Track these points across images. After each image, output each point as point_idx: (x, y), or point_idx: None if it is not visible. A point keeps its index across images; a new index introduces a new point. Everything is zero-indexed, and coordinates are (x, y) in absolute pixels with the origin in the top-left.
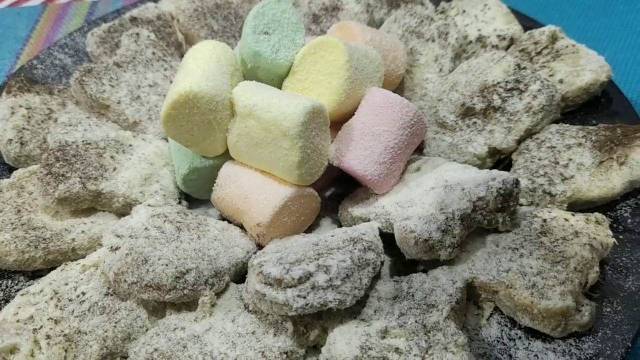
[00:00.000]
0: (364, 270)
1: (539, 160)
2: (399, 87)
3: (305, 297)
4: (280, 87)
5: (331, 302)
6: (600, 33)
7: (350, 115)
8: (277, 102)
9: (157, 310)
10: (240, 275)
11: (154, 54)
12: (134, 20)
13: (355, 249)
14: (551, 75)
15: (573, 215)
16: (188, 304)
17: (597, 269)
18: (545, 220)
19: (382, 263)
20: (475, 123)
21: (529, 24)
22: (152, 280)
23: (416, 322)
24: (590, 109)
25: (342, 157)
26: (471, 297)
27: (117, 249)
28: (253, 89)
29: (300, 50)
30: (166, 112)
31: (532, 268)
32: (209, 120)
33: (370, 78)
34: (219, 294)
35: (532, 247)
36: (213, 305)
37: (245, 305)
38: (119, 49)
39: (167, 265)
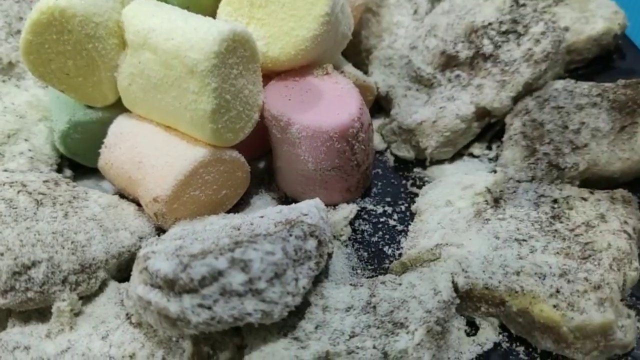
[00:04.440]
0: (302, 266)
1: (542, 123)
2: (362, 34)
3: (210, 308)
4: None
5: (250, 314)
6: None
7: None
8: (181, 26)
9: None
10: (128, 271)
11: None
12: None
13: (291, 234)
14: (554, 22)
15: (591, 192)
16: (41, 312)
17: (636, 264)
18: (555, 201)
19: (330, 255)
20: (458, 76)
21: None
22: None
23: (374, 347)
24: (599, 66)
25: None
26: (463, 310)
27: None
28: (150, 8)
29: None
30: (25, 39)
31: (551, 267)
32: (88, 50)
33: (338, 42)
34: (87, 298)
35: (544, 237)
36: (76, 314)
37: (127, 315)
38: None
39: (2, 254)
